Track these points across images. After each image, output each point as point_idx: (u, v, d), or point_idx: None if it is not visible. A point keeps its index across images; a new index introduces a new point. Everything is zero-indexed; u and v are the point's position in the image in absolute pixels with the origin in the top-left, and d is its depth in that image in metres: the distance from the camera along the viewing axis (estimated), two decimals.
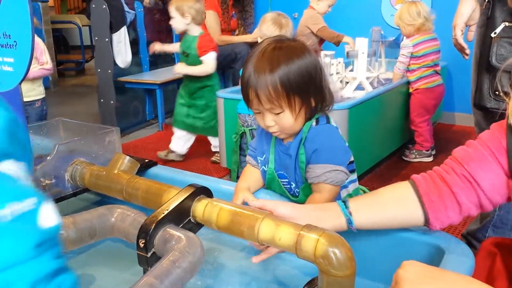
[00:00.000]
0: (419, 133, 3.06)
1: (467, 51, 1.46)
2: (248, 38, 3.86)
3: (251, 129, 2.22)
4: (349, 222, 0.92)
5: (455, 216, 0.87)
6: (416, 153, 3.05)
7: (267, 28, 2.18)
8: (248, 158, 1.27)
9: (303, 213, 0.92)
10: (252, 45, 3.78)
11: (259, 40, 2.24)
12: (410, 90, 3.08)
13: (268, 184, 1.22)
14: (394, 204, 0.91)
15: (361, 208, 0.92)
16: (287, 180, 1.18)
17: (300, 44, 1.08)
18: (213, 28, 3.97)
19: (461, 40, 1.42)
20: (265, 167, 1.22)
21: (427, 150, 3.04)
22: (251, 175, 1.24)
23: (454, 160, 0.88)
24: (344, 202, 0.94)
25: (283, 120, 1.06)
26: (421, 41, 2.92)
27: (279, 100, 1.02)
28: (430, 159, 3.02)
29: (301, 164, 1.12)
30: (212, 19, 3.95)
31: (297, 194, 1.18)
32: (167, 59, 4.58)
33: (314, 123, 1.11)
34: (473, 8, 1.37)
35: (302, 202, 1.11)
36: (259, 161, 1.23)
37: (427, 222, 0.89)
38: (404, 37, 3.04)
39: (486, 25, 1.35)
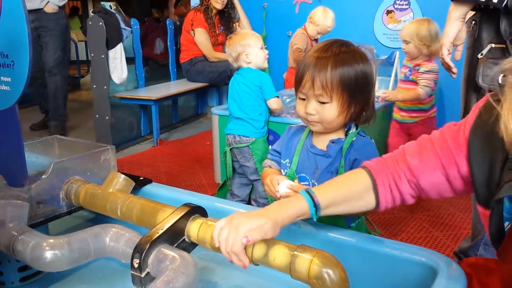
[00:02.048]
0: None
1: (454, 70, 1.49)
2: None
3: (231, 148, 2.28)
4: (311, 204, 0.91)
5: (398, 204, 0.96)
6: None
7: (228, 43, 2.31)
8: (268, 162, 1.32)
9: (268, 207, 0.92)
10: None
11: (231, 63, 2.32)
12: (417, 119, 2.63)
13: None
14: (356, 192, 0.95)
15: (324, 193, 0.93)
16: (307, 183, 1.21)
17: (363, 53, 1.16)
18: (204, 45, 4.06)
19: (447, 60, 1.45)
20: (284, 171, 1.26)
21: None
22: (272, 172, 1.27)
23: (404, 164, 0.93)
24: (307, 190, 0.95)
25: (327, 111, 1.12)
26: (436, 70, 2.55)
27: (331, 90, 1.09)
28: None
29: (341, 169, 1.17)
30: (202, 36, 4.04)
31: None
32: (162, 75, 4.62)
33: (355, 135, 1.18)
34: (459, 29, 1.40)
35: None
36: (281, 164, 1.28)
37: (377, 206, 0.95)
38: (420, 58, 2.60)
39: (473, 47, 1.38)
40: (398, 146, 0.99)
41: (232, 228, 0.84)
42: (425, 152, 0.91)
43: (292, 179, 1.20)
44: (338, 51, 1.11)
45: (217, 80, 4.16)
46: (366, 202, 0.95)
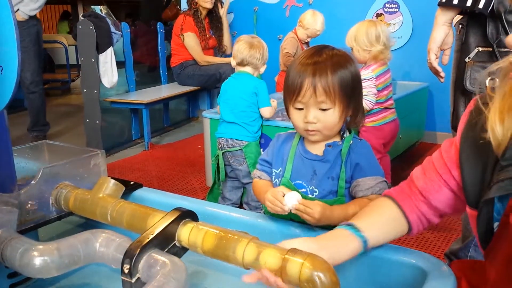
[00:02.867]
0: None
1: (442, 74, 1.50)
2: (229, 60, 4.00)
3: (224, 152, 2.28)
4: (364, 243, 0.92)
5: (426, 225, 0.98)
6: None
7: (238, 47, 2.26)
8: (257, 173, 1.27)
9: (321, 246, 0.89)
10: None
11: (231, 60, 2.31)
12: None
13: None
14: (392, 224, 0.96)
15: (369, 229, 0.93)
16: (304, 190, 1.17)
17: (350, 56, 1.14)
18: (194, 49, 4.11)
19: (435, 64, 1.47)
20: (278, 180, 1.21)
21: None
22: (266, 184, 1.23)
23: (415, 188, 0.95)
24: (350, 225, 0.93)
25: (329, 118, 1.09)
26: (381, 72, 2.38)
27: (334, 96, 1.07)
28: None
29: (342, 174, 1.13)
30: (192, 40, 4.09)
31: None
32: (153, 79, 4.60)
33: (352, 138, 1.16)
34: (446, 33, 1.41)
35: None
36: (273, 173, 1.23)
37: (409, 232, 0.97)
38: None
39: (461, 50, 1.40)
40: None
41: None
42: (427, 172, 0.93)
43: (289, 188, 1.16)
44: (332, 55, 1.10)
45: (207, 84, 4.17)
46: (398, 230, 0.96)
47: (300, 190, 1.17)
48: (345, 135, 1.18)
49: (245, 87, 2.22)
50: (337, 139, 1.17)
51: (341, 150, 1.15)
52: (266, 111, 2.26)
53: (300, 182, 1.17)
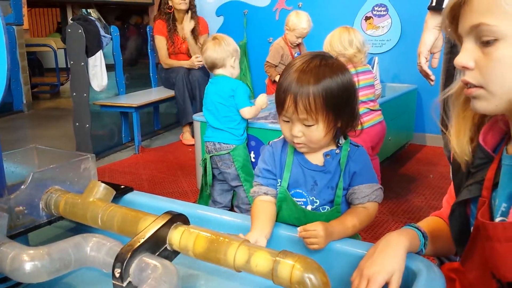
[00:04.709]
0: None
1: (432, 77, 1.52)
2: (185, 63, 4.09)
3: (212, 156, 2.26)
4: (421, 251, 0.96)
5: None
6: None
7: (204, 53, 2.26)
8: (263, 188, 1.19)
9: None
10: (190, 69, 4.02)
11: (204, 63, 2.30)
12: None
13: (279, 206, 1.17)
14: (448, 242, 0.97)
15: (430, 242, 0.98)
16: (304, 200, 1.16)
17: (342, 64, 1.12)
18: (158, 51, 4.29)
19: (425, 67, 1.48)
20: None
21: None
22: (267, 214, 1.13)
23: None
24: (419, 229, 0.97)
25: (314, 133, 1.08)
26: (359, 71, 2.41)
27: (316, 113, 1.05)
28: None
29: (340, 183, 1.13)
30: (158, 43, 4.24)
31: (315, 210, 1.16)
32: (143, 83, 4.60)
33: (349, 145, 1.16)
34: (436, 37, 1.44)
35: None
36: (278, 182, 1.20)
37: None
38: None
39: (450, 53, 1.42)
40: None
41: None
42: (448, 194, 1.00)
43: (284, 197, 1.16)
44: (319, 65, 1.07)
45: (171, 87, 4.21)
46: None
47: (299, 200, 1.16)
48: (340, 142, 1.16)
49: (222, 91, 2.21)
50: (333, 146, 1.16)
51: (339, 159, 1.14)
52: (245, 112, 2.22)
53: (300, 191, 1.16)
